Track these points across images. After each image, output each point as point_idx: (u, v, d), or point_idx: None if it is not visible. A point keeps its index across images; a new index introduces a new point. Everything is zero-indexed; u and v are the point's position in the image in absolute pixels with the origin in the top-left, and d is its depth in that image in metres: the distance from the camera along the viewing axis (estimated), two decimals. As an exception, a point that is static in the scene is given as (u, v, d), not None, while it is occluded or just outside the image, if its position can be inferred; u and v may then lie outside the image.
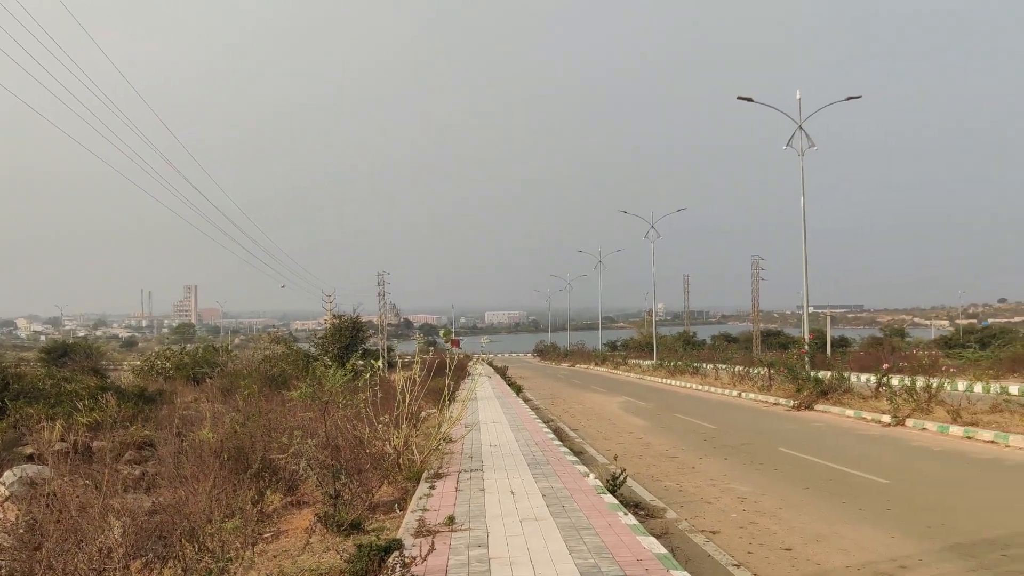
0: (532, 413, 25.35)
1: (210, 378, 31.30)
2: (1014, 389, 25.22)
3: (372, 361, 14.88)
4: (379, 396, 13.92)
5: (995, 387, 26.78)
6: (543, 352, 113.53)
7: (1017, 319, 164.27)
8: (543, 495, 11.15)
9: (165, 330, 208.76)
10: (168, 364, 36.78)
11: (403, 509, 10.82)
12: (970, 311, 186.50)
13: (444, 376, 16.42)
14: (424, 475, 12.95)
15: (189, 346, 53.96)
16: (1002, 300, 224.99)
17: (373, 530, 9.70)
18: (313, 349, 47.18)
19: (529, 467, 13.85)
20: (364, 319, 56.76)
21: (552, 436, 18.80)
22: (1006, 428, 17.77)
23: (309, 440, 11.38)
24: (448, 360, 18.38)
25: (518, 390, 36.82)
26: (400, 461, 13.00)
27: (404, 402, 13.43)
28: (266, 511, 11.22)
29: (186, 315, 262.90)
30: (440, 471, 13.50)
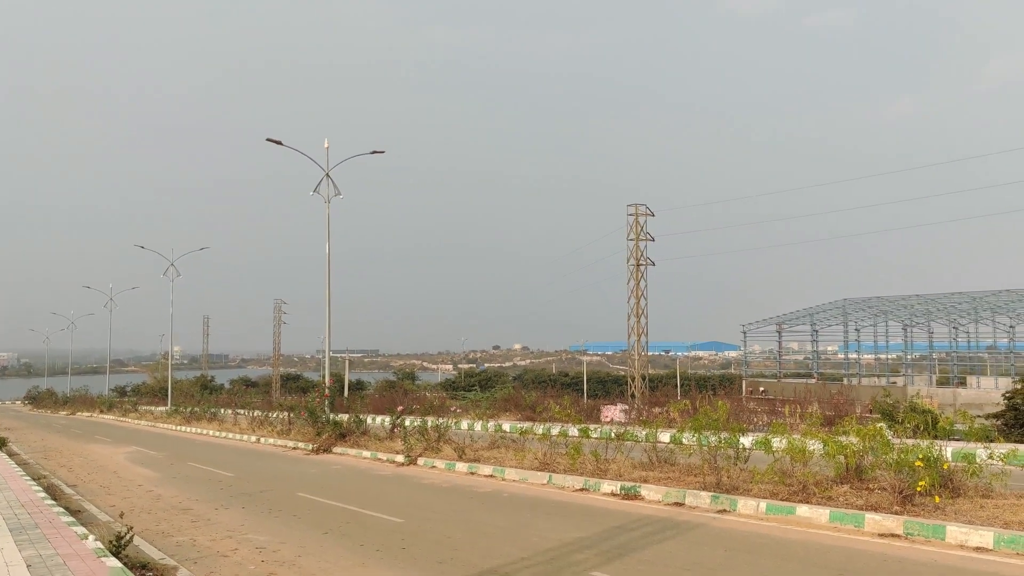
0: (19, 469, 22.13)
1: None
2: (507, 426, 28.08)
3: None
4: None
5: (492, 425, 29.57)
6: (37, 399, 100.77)
7: (508, 364, 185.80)
8: (29, 565, 9.59)
9: None
10: None
11: None
12: (470, 356, 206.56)
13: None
14: None
15: None
16: (496, 347, 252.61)
17: None
18: None
19: (12, 533, 11.90)
20: None
21: (44, 495, 16.51)
22: (502, 462, 19.63)
23: None
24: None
25: (1, 443, 32.03)
26: None
27: None
28: None
29: None
30: None
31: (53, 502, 15.54)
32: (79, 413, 73.48)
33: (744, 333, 65.53)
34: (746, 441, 15.82)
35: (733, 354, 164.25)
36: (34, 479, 19.93)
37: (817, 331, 63.10)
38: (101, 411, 69.57)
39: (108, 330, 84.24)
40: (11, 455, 28.01)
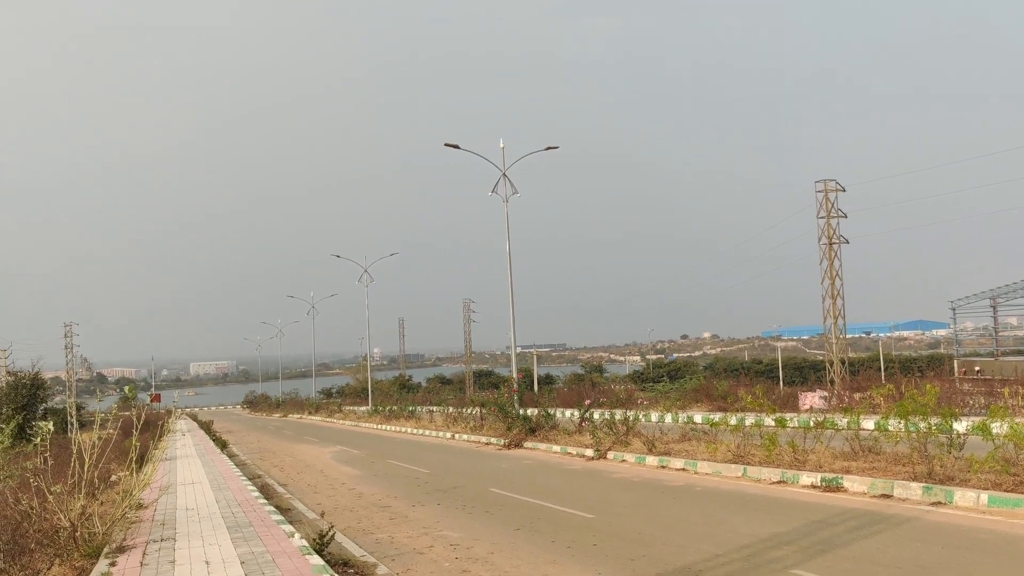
0: (237, 470, 23.77)
1: None
2: (698, 418, 27.31)
3: (41, 423, 13.06)
4: (51, 462, 12.25)
5: (683, 416, 28.87)
6: (253, 403, 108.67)
7: (697, 353, 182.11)
8: (242, 562, 10.19)
9: None
10: None
11: (75, 593, 9.41)
12: (658, 347, 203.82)
13: (142, 435, 14.84)
14: (105, 550, 11.45)
15: None
16: (684, 336, 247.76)
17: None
18: (-18, 411, 41.76)
19: (229, 531, 12.73)
20: (49, 375, 51.28)
21: (257, 494, 17.61)
22: (694, 455, 19.10)
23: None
24: (143, 416, 16.69)
25: (223, 445, 34.61)
26: (77, 535, 11.42)
27: (83, 467, 11.88)
28: None
29: None
30: (125, 543, 12.02)
31: (265, 501, 16.52)
32: (290, 415, 78.40)
33: (953, 309, 60.76)
34: (960, 427, 14.57)
35: (942, 332, 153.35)
36: (249, 479, 21.33)
37: (1040, 304, 57.69)
38: (309, 412, 73.87)
39: (312, 336, 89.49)
40: (231, 456, 30.16)
